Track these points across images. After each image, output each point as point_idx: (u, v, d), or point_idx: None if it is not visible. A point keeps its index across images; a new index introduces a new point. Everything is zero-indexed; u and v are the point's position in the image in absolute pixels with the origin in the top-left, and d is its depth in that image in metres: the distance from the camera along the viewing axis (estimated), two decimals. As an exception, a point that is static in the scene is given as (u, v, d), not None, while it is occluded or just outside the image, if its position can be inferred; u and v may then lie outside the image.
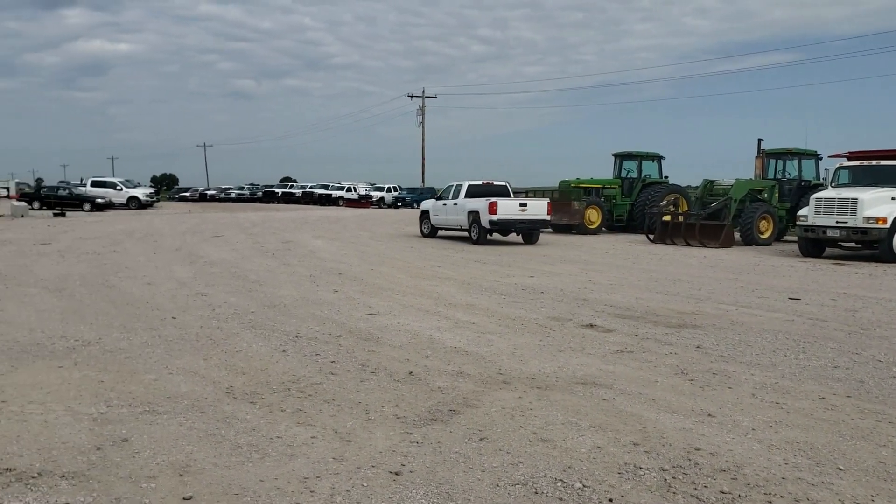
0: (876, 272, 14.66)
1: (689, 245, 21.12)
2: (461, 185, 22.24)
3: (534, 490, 3.93)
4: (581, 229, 25.95)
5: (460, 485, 3.98)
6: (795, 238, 19.67)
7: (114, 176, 57.30)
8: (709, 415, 5.22)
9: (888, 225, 16.39)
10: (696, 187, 26.25)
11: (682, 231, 21.83)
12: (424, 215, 24.40)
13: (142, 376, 6.05)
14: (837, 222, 17.03)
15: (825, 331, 8.32)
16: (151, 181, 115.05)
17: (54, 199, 42.86)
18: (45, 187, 50.74)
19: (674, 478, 4.10)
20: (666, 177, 28.30)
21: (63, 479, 3.97)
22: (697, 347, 7.43)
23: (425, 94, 63.79)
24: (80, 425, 4.82)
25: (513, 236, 22.22)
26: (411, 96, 64.61)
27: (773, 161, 24.35)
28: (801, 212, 18.34)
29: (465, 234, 22.11)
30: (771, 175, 24.21)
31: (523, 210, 20.50)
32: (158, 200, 59.01)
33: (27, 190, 64.87)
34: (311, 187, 66.08)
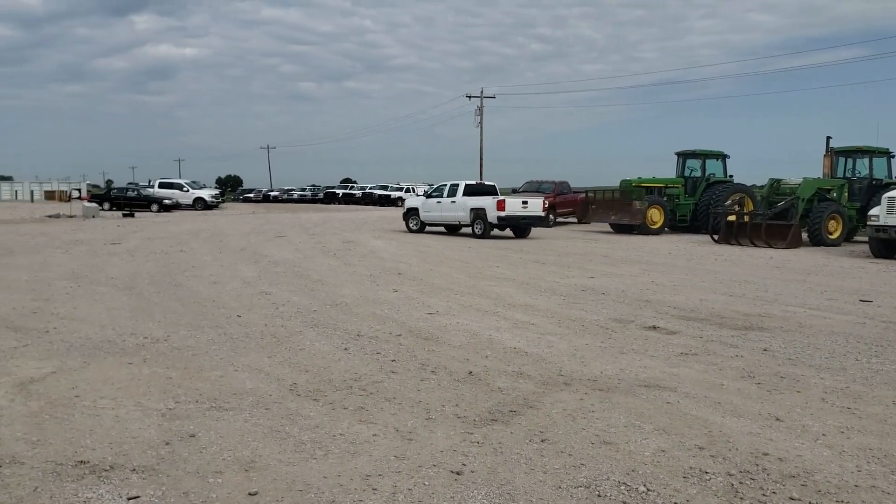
0: (954, 274, 14.06)
1: (755, 246, 20.65)
2: (457, 185, 23.52)
3: (597, 493, 3.89)
4: (643, 229, 25.59)
5: (522, 486, 3.96)
6: (866, 239, 19.08)
7: (180, 177, 58.71)
8: (777, 419, 5.08)
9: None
10: (762, 186, 25.62)
11: (748, 231, 21.33)
12: (411, 212, 24.94)
13: (208, 373, 6.19)
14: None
15: (900, 334, 8.01)
16: (216, 182, 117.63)
17: (123, 201, 44.08)
18: (114, 189, 52.19)
19: (741, 483, 4.00)
20: (730, 176, 27.67)
21: (133, 473, 4.08)
22: (764, 350, 7.24)
23: (483, 95, 63.62)
24: (149, 420, 4.96)
25: (496, 231, 23.32)
26: (470, 97, 64.39)
27: (842, 159, 23.71)
28: (873, 211, 17.75)
29: (449, 228, 24.50)
30: (840, 174, 23.57)
31: (524, 207, 22.64)
32: (223, 201, 60.32)
33: (98, 191, 66.93)
34: (370, 188, 66.67)
